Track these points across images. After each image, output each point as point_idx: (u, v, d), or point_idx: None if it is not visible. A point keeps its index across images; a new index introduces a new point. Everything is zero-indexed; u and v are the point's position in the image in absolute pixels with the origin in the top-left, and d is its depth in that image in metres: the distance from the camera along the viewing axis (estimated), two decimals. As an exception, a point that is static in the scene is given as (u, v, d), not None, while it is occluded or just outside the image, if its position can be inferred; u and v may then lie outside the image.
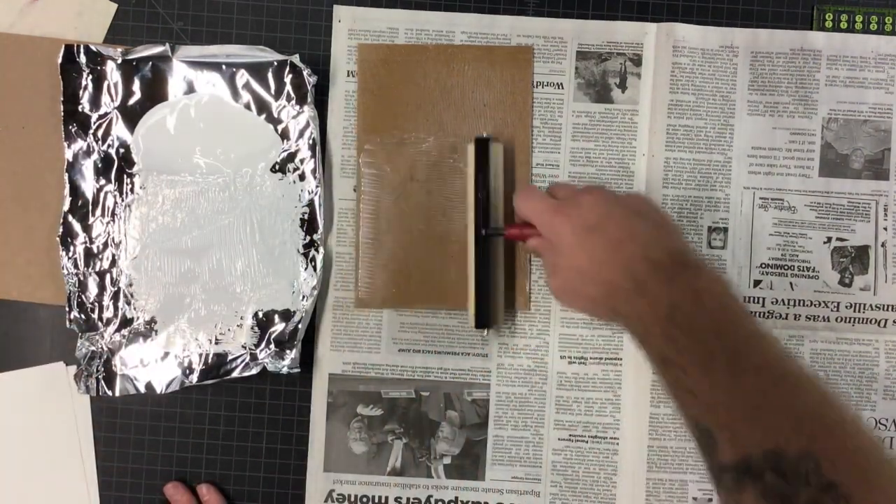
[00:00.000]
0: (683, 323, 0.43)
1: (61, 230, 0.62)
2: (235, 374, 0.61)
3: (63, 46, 0.61)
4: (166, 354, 0.62)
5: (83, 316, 0.62)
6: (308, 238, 0.62)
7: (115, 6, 0.63)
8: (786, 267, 0.63)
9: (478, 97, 0.63)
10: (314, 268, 0.62)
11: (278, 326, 0.62)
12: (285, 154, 0.62)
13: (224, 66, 0.62)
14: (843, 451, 0.37)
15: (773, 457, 0.36)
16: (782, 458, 0.36)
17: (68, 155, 0.62)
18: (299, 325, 0.61)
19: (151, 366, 0.62)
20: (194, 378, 0.61)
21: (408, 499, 0.63)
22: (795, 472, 0.36)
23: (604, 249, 0.48)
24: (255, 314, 0.62)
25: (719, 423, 0.39)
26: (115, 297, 0.62)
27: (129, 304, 0.62)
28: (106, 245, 0.62)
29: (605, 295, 0.49)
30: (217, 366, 0.62)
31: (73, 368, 0.63)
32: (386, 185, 0.63)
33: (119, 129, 0.62)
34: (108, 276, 0.62)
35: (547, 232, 0.53)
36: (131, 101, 0.62)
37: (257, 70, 0.62)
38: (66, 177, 0.61)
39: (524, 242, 0.58)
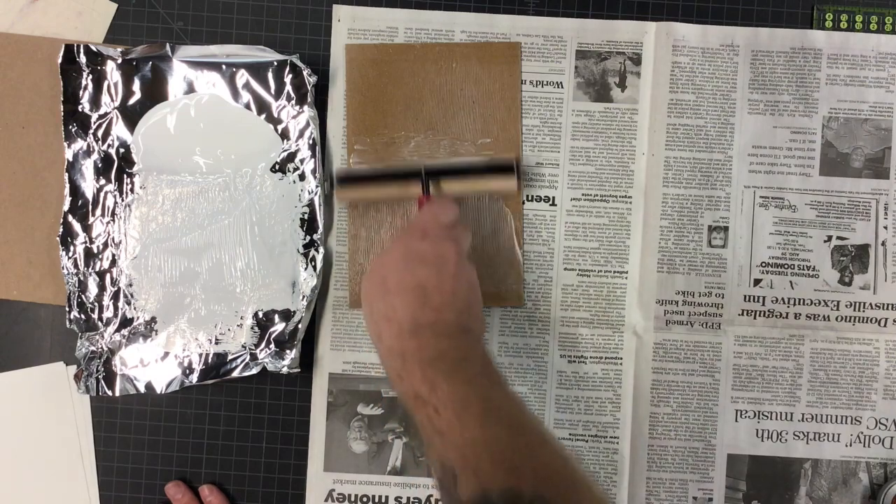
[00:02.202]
0: (445, 370, 0.47)
1: (61, 230, 0.62)
2: (235, 374, 0.61)
3: (63, 46, 0.61)
4: (166, 354, 0.62)
5: (83, 316, 0.62)
6: (308, 238, 0.62)
7: (115, 6, 0.63)
8: (786, 266, 0.63)
9: (466, 94, 0.63)
10: (314, 268, 0.62)
11: (278, 326, 0.62)
12: (285, 154, 0.62)
13: (224, 66, 0.62)
14: (566, 491, 0.43)
15: (511, 495, 0.41)
16: (519, 498, 0.41)
17: (68, 155, 0.62)
18: (299, 325, 0.61)
19: (151, 366, 0.62)
20: (194, 378, 0.61)
21: (408, 498, 0.63)
22: None
23: (408, 289, 0.50)
24: (255, 314, 0.62)
25: (464, 462, 0.44)
26: (115, 296, 0.62)
27: (129, 304, 0.62)
28: (106, 245, 0.62)
29: (384, 318, 0.50)
30: (217, 366, 0.62)
31: (73, 368, 0.63)
32: None
33: (119, 129, 0.62)
34: (108, 276, 0.62)
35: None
36: (131, 101, 0.62)
37: (257, 70, 0.62)
38: (66, 177, 0.62)
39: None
